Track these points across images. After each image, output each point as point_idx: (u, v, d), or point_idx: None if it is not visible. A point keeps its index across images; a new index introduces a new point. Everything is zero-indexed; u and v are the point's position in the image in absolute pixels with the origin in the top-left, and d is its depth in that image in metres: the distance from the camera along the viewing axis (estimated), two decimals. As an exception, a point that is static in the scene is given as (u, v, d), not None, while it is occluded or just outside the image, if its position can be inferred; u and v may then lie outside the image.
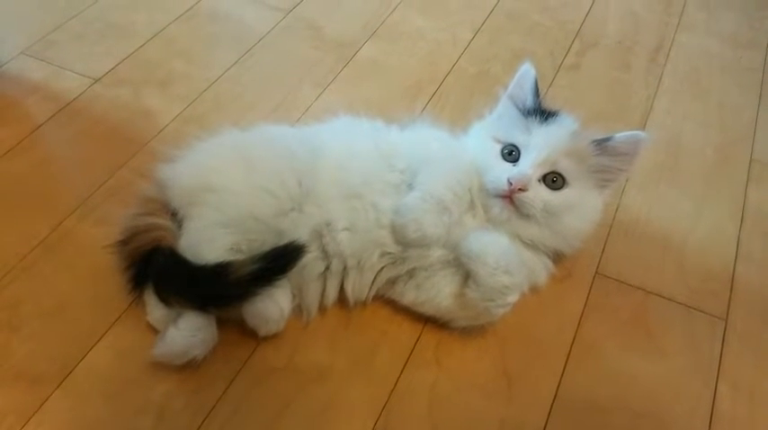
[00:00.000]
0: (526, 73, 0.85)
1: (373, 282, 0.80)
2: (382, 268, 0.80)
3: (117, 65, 1.12)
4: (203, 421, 0.73)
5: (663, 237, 0.94)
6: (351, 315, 0.82)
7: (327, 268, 0.79)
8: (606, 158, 0.79)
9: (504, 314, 0.82)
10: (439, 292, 0.79)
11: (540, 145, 0.78)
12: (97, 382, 0.75)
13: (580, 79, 1.19)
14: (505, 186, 0.77)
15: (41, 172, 0.96)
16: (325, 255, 0.79)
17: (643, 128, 1.11)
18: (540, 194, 0.78)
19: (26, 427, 0.71)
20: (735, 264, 0.92)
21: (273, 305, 0.75)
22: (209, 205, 0.78)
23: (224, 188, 0.78)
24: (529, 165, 0.78)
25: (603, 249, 0.92)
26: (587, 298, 0.86)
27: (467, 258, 0.76)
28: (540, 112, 0.82)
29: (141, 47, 1.16)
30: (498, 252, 0.75)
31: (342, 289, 0.81)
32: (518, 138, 0.81)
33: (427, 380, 0.78)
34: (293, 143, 0.84)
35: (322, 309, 0.82)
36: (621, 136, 0.79)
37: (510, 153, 0.81)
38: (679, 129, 1.11)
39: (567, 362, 0.80)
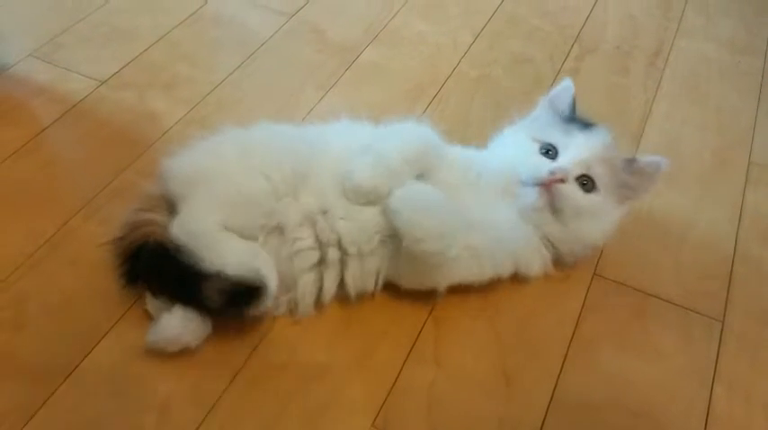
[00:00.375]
0: (567, 87, 0.91)
1: (378, 273, 0.82)
2: (384, 257, 0.81)
3: (122, 68, 1.14)
4: (205, 417, 0.74)
5: (661, 238, 0.95)
6: (350, 315, 0.83)
7: (323, 260, 0.80)
8: (631, 176, 0.85)
9: (503, 314, 0.84)
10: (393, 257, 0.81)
11: (580, 147, 0.83)
12: (102, 378, 0.76)
13: (579, 83, 1.18)
14: (546, 175, 0.81)
15: (47, 172, 0.98)
16: (319, 244, 0.80)
17: (642, 132, 1.12)
18: (575, 190, 0.82)
19: (31, 422, 0.72)
20: (732, 266, 0.93)
21: (173, 323, 0.75)
22: (203, 184, 0.79)
23: (218, 169, 0.81)
24: (569, 161, 0.82)
25: (601, 251, 0.92)
26: (585, 299, 0.87)
27: (389, 215, 0.78)
28: (578, 121, 0.87)
29: (146, 50, 1.18)
30: (418, 207, 0.77)
31: (341, 285, 0.82)
32: (557, 139, 0.85)
33: (426, 378, 0.79)
34: (292, 136, 0.86)
35: (320, 305, 0.82)
36: (647, 159, 0.85)
37: (547, 152, 0.85)
38: (678, 132, 1.12)
39: (564, 361, 0.81)
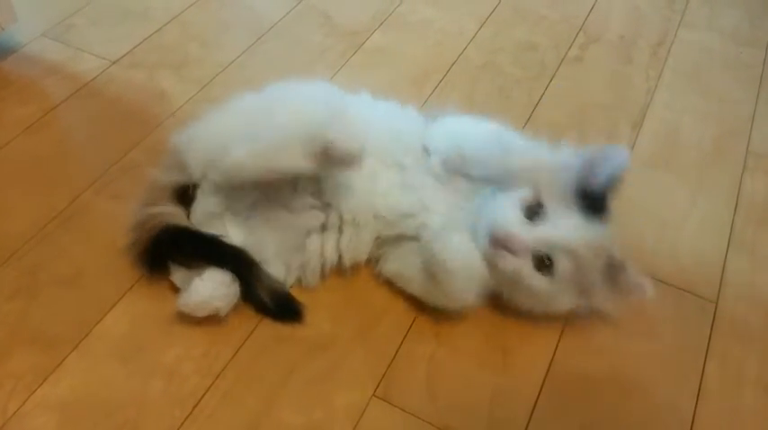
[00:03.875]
0: (621, 157, 0.77)
1: (373, 245, 0.84)
2: (378, 235, 0.84)
3: (133, 48, 1.16)
4: (211, 385, 0.76)
5: (658, 222, 0.97)
6: (354, 290, 0.85)
7: (325, 225, 0.82)
8: (606, 281, 0.77)
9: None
10: (407, 266, 0.83)
11: (568, 230, 0.74)
12: (111, 346, 0.79)
13: (582, 71, 1.22)
14: (500, 233, 0.75)
15: (59, 149, 1.00)
16: (323, 205, 0.82)
17: (642, 120, 1.13)
18: (523, 264, 0.75)
19: (44, 385, 0.75)
20: (727, 250, 0.95)
21: (205, 286, 0.77)
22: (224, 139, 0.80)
23: (234, 111, 0.84)
24: (540, 237, 0.74)
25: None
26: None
27: (435, 264, 0.77)
28: (595, 201, 0.76)
29: (157, 31, 1.20)
30: (466, 267, 0.76)
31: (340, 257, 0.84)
32: (553, 204, 0.76)
33: (426, 351, 0.81)
34: (309, 97, 0.86)
35: (323, 274, 0.85)
36: (635, 278, 0.77)
37: (531, 209, 0.76)
38: (677, 121, 1.14)
39: (560, 337, 0.83)
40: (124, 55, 1.15)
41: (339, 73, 1.16)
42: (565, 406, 0.78)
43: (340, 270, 0.86)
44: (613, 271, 0.77)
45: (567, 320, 0.85)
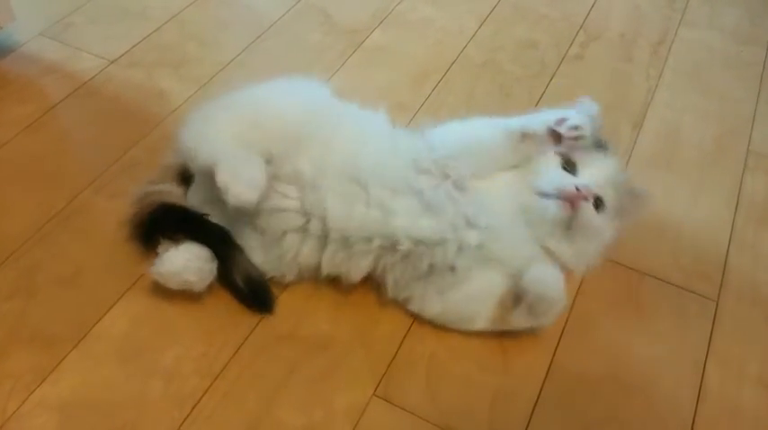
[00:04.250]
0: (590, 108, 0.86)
1: (373, 270, 0.81)
2: (379, 258, 0.80)
3: (132, 47, 1.16)
4: (210, 385, 0.76)
5: (659, 221, 0.97)
6: (354, 290, 0.85)
7: (305, 228, 0.79)
8: (627, 201, 0.84)
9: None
10: (459, 302, 0.80)
11: (600, 168, 0.83)
12: (111, 346, 0.78)
13: (583, 69, 1.22)
14: (574, 190, 0.78)
15: (58, 148, 1.00)
16: (304, 211, 0.79)
17: (643, 119, 1.13)
18: (593, 210, 0.80)
19: (43, 385, 0.74)
20: (728, 249, 0.95)
21: (178, 257, 0.78)
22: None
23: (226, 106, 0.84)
24: (591, 181, 0.81)
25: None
26: (583, 276, 0.89)
27: (533, 295, 0.77)
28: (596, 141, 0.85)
29: (156, 30, 1.19)
30: (559, 293, 0.78)
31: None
32: (578, 157, 0.83)
33: (426, 351, 0.81)
34: (306, 96, 0.87)
35: (301, 276, 0.83)
36: (640, 189, 0.85)
37: (566, 167, 0.82)
38: (678, 120, 1.14)
39: (561, 337, 0.83)
40: (123, 54, 1.14)
41: (339, 71, 1.16)
42: (565, 405, 0.78)
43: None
44: (628, 189, 0.84)
45: (567, 320, 0.84)
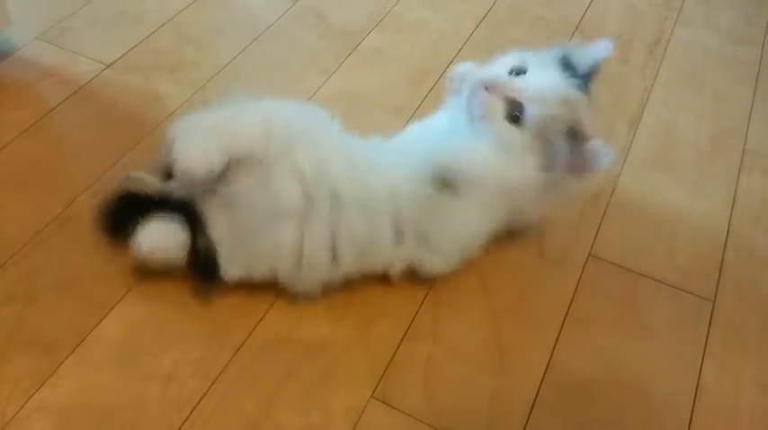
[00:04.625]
0: (604, 48, 0.81)
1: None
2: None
3: (128, 51, 1.16)
4: (208, 389, 0.76)
5: (656, 221, 0.97)
6: (351, 292, 0.85)
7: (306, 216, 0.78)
8: (568, 148, 0.76)
9: (500, 292, 0.86)
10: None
11: (545, 80, 0.76)
12: (109, 350, 0.78)
13: (579, 70, 1.22)
14: (474, 80, 0.77)
15: (55, 152, 1.00)
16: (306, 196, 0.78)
17: (639, 118, 1.13)
18: (495, 105, 0.75)
19: (42, 389, 0.74)
20: (724, 249, 0.95)
21: (148, 235, 0.79)
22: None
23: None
24: (521, 86, 0.75)
25: (597, 232, 0.95)
26: (580, 278, 0.90)
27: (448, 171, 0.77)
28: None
29: (152, 34, 1.19)
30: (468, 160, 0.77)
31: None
32: (534, 68, 0.78)
33: (423, 352, 0.81)
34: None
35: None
36: (595, 144, 0.76)
37: (517, 71, 0.78)
38: (674, 119, 1.14)
39: (558, 338, 0.83)
40: (119, 58, 1.14)
41: (335, 74, 1.16)
42: (563, 406, 0.78)
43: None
44: (577, 140, 0.75)
45: (566, 320, 0.85)
